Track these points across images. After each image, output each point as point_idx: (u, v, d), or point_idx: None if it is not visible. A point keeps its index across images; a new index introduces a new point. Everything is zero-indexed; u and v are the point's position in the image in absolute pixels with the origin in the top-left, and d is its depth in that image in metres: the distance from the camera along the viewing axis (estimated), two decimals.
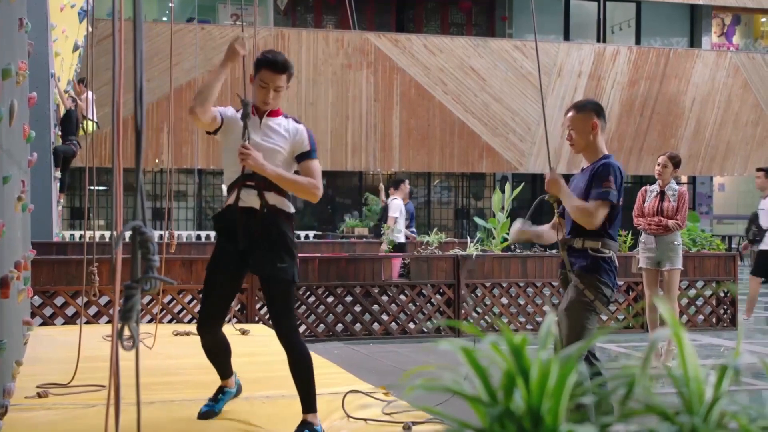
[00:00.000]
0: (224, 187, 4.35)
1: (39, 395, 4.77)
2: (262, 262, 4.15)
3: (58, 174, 13.58)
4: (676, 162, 7.32)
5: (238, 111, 4.29)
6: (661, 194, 7.30)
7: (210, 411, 4.45)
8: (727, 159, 21.57)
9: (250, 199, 4.17)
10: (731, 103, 21.40)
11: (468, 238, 10.24)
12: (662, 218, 7.17)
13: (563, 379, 1.30)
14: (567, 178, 4.46)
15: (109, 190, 21.57)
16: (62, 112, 13.22)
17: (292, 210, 4.25)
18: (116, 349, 2.90)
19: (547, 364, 1.31)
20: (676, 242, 7.16)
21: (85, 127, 11.91)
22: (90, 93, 12.59)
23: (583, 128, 4.27)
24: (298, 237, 18.16)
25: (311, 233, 18.96)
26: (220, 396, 4.55)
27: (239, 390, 4.73)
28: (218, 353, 4.45)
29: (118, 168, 3.17)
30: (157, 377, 5.39)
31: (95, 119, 12.68)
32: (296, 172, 4.27)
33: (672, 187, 7.30)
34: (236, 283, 4.36)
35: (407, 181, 12.11)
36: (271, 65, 4.17)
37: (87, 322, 8.05)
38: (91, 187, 22.30)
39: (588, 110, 4.29)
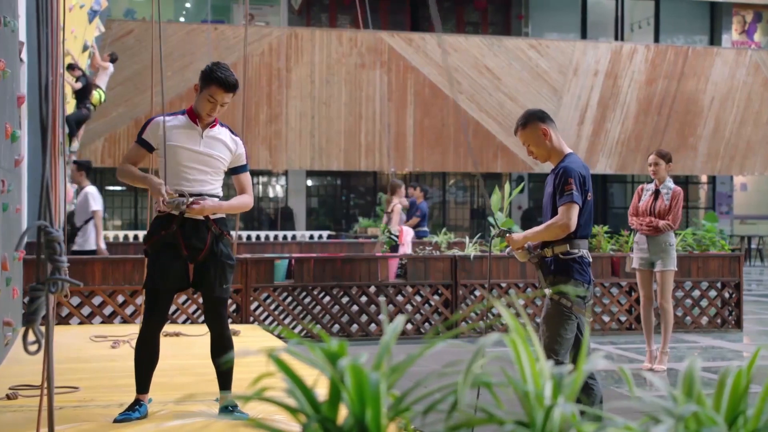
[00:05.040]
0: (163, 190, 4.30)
1: (8, 397, 4.74)
2: (210, 284, 4.38)
3: (75, 146, 13.40)
4: (667, 158, 7.19)
5: (172, 115, 4.47)
6: (656, 193, 7.17)
7: (126, 418, 4.25)
8: (747, 158, 21.25)
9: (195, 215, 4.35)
10: (751, 101, 21.09)
11: (467, 238, 10.12)
12: (653, 218, 7.03)
13: (376, 387, 1.23)
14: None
15: (126, 190, 21.64)
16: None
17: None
18: (50, 354, 2.86)
19: (358, 373, 1.24)
20: (668, 243, 6.99)
21: (94, 97, 12.12)
22: (111, 66, 12.77)
23: (537, 140, 4.35)
24: (312, 237, 18.10)
25: (325, 233, 18.87)
26: (137, 407, 4.33)
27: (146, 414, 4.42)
28: (152, 362, 4.46)
29: (54, 164, 3.12)
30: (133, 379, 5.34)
31: (104, 89, 12.82)
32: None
33: (667, 185, 7.16)
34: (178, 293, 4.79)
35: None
36: (224, 84, 4.31)
37: (80, 323, 8.08)
38: (110, 188, 22.20)
39: (532, 122, 4.36)
